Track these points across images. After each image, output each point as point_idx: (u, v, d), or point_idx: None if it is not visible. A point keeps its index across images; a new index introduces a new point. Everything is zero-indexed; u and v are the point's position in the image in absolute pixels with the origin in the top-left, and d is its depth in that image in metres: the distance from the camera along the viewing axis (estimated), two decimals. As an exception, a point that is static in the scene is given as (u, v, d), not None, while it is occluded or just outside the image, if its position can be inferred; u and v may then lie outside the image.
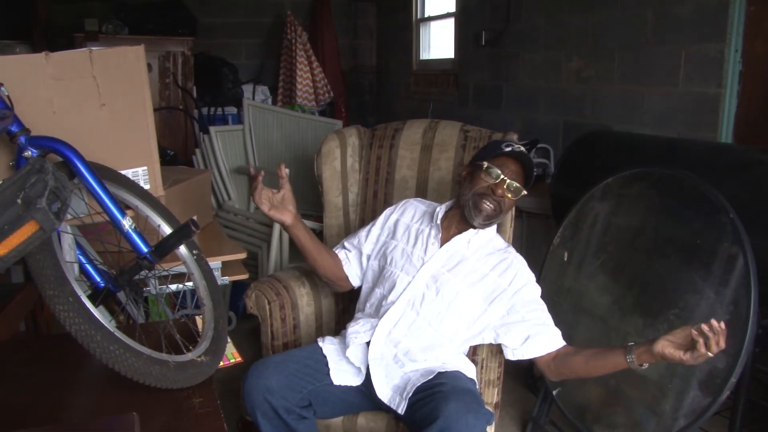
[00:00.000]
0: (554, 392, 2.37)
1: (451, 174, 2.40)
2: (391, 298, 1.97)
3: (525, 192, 1.94)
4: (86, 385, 1.59)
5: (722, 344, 1.50)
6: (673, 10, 3.13)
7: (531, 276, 1.99)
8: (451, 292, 1.93)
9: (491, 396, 2.12)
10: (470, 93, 4.98)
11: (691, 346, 1.55)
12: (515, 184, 1.91)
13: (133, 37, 5.00)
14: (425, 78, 5.72)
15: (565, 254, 2.49)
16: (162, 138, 4.63)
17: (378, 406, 1.90)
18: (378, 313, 1.98)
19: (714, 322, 1.49)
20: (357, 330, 1.97)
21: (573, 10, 3.81)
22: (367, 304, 2.07)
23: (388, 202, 2.46)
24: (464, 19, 5.02)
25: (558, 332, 1.90)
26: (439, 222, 2.02)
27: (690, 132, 3.07)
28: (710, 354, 1.51)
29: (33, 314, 2.17)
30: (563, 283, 2.48)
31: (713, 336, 1.49)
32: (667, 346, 1.60)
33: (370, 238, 2.15)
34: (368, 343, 1.92)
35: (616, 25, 3.49)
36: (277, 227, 3.44)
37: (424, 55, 5.86)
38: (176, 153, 4.67)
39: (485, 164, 1.92)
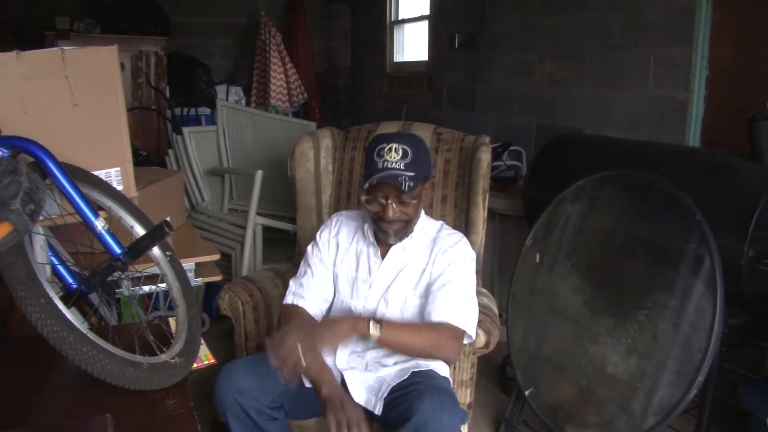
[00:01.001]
0: (527, 392, 2.40)
1: (425, 176, 2.42)
2: None
3: (415, 199, 1.87)
4: (58, 387, 1.58)
5: None
6: (643, 14, 3.19)
7: (457, 252, 1.94)
8: (399, 300, 1.95)
9: (464, 396, 2.14)
10: (444, 95, 5.01)
11: None
12: (401, 200, 1.85)
13: (106, 36, 4.94)
14: (399, 80, 5.74)
15: (537, 256, 2.51)
16: (135, 138, 4.57)
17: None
18: None
19: None
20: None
21: (546, 13, 3.86)
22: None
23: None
24: (438, 21, 5.05)
25: (458, 315, 1.85)
26: (372, 240, 1.99)
27: (659, 135, 3.13)
28: None
29: (2, 316, 2.15)
30: (535, 284, 2.51)
31: None
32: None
33: (319, 272, 2.03)
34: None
35: (587, 28, 3.54)
36: (250, 229, 3.43)
37: (399, 57, 5.88)
38: (149, 153, 4.62)
39: (365, 198, 1.88)
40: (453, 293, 1.88)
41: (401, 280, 1.95)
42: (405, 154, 1.81)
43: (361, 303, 1.98)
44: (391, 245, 1.96)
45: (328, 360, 1.92)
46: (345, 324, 1.74)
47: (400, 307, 1.95)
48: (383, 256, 1.98)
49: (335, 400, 1.64)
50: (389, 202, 1.84)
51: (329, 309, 2.06)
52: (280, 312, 2.01)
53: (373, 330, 1.71)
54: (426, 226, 2.02)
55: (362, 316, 1.76)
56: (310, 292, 2.00)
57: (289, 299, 2.01)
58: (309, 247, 2.08)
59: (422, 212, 2.01)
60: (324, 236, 2.07)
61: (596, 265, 2.34)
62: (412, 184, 1.79)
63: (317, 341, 1.68)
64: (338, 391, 1.69)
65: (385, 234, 1.90)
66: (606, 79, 3.45)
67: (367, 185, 1.82)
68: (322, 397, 1.68)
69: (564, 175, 2.59)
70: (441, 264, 1.92)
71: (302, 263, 2.08)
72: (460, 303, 1.87)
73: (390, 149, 1.81)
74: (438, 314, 1.84)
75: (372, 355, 1.92)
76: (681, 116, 3.04)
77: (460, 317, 1.85)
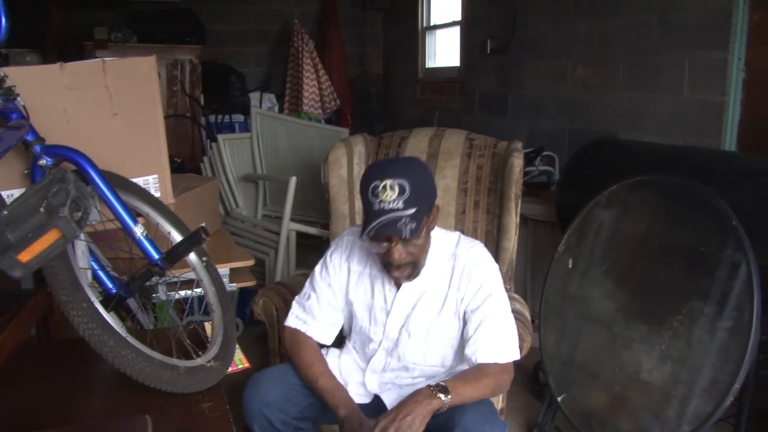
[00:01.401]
0: (559, 399, 2.39)
1: (457, 182, 2.43)
2: (371, 346, 1.93)
3: (420, 239, 1.72)
4: (98, 388, 1.62)
5: None
6: (678, 17, 3.15)
7: (485, 275, 1.83)
8: (422, 330, 1.85)
9: (497, 402, 2.13)
10: (476, 100, 5.01)
11: None
12: (404, 242, 1.70)
13: (142, 45, 5.05)
14: (431, 86, 5.75)
15: (570, 261, 2.50)
16: (169, 146, 4.62)
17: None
18: (364, 355, 1.96)
19: None
20: (350, 369, 1.96)
21: (578, 18, 3.83)
22: (351, 341, 2.01)
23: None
24: (470, 27, 5.06)
25: (503, 351, 1.77)
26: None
27: (694, 140, 3.09)
28: None
29: (44, 320, 2.20)
30: (568, 290, 2.49)
31: None
32: None
33: (326, 297, 1.93)
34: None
35: (621, 32, 3.51)
36: (284, 235, 3.47)
37: (431, 63, 5.89)
38: (184, 160, 4.70)
39: (366, 243, 1.72)
40: (494, 328, 1.77)
41: (421, 309, 1.85)
42: (402, 190, 1.63)
43: (380, 330, 1.90)
44: None
45: (358, 380, 1.93)
46: (421, 410, 1.56)
47: (424, 337, 1.86)
48: (398, 284, 1.86)
49: (353, 421, 1.63)
50: (393, 245, 1.69)
51: (350, 328, 2.00)
52: (285, 334, 1.94)
53: (445, 400, 1.58)
54: (441, 242, 1.87)
55: (428, 390, 1.59)
56: (314, 319, 1.92)
57: (292, 322, 1.94)
58: (317, 268, 1.96)
59: (435, 229, 1.85)
60: (335, 259, 1.94)
61: (630, 270, 2.32)
62: (414, 225, 1.63)
63: None
64: (354, 412, 1.68)
65: (397, 279, 1.80)
66: (640, 84, 3.42)
67: (367, 232, 1.65)
68: (340, 420, 1.66)
69: (597, 180, 2.58)
70: (470, 290, 1.81)
71: (308, 284, 1.97)
72: (503, 336, 1.77)
73: (384, 187, 1.63)
74: (485, 355, 1.73)
75: (401, 381, 1.92)
76: (717, 120, 3.00)
77: (506, 352, 1.76)
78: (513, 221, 2.30)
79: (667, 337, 2.09)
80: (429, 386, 1.60)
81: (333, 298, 1.93)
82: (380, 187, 1.64)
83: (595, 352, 2.34)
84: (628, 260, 2.34)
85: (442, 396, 1.58)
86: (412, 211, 1.63)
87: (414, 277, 1.81)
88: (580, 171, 2.97)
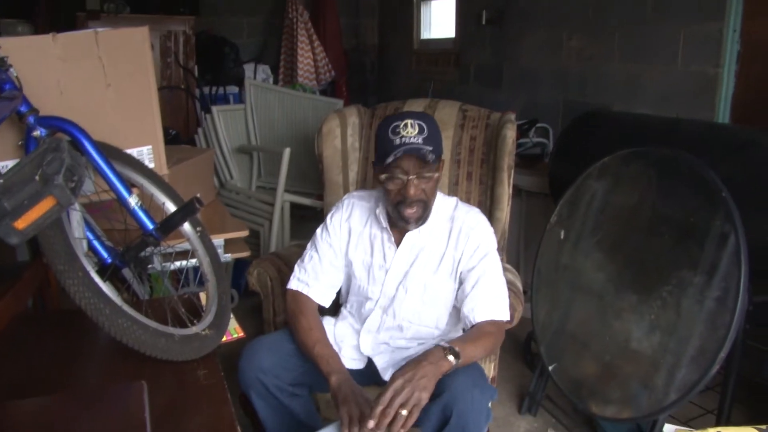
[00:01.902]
0: (550, 368, 2.42)
1: (450, 153, 2.44)
2: (367, 305, 1.97)
3: (437, 173, 1.81)
4: (95, 357, 1.65)
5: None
6: (674, -12, 3.14)
7: (480, 236, 1.90)
8: (419, 287, 1.91)
9: (488, 371, 2.16)
10: (471, 72, 4.99)
11: None
12: (423, 174, 1.78)
13: (135, 15, 4.99)
14: (426, 57, 5.72)
15: (562, 232, 2.53)
16: (163, 117, 4.57)
17: (375, 381, 1.92)
18: (359, 317, 2.00)
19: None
20: (344, 333, 2.00)
21: (574, -11, 3.81)
22: (347, 306, 2.05)
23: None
24: (465, -3, 5.02)
25: (498, 310, 1.83)
26: (386, 225, 1.93)
27: (688, 112, 3.09)
28: None
29: (41, 291, 2.22)
30: (560, 261, 2.52)
31: None
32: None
33: (327, 258, 1.98)
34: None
35: (616, 3, 3.49)
36: (278, 206, 3.48)
37: (425, 35, 5.85)
38: (178, 132, 4.67)
39: (384, 176, 1.79)
40: (489, 288, 1.84)
41: (419, 266, 1.91)
42: (422, 130, 1.75)
43: (378, 288, 1.94)
44: (405, 231, 1.91)
45: (352, 343, 1.97)
46: (432, 371, 1.57)
47: (420, 294, 1.91)
48: (398, 241, 1.93)
49: (346, 391, 1.64)
50: (410, 178, 1.77)
51: (347, 291, 2.05)
52: (287, 295, 1.98)
53: (454, 362, 1.61)
54: (441, 205, 1.94)
55: (440, 350, 1.61)
56: (316, 279, 1.96)
57: (294, 285, 1.97)
58: (318, 230, 2.02)
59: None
60: (335, 220, 2.00)
61: (621, 241, 2.34)
62: (434, 156, 1.75)
63: (418, 400, 1.53)
64: (346, 380, 1.69)
65: (404, 221, 1.83)
66: (635, 56, 3.41)
67: (391, 158, 1.73)
68: (332, 387, 1.68)
69: (590, 152, 2.59)
70: (467, 250, 1.87)
71: (309, 246, 2.02)
72: (497, 296, 1.84)
73: (406, 125, 1.76)
74: (480, 313, 1.80)
75: (396, 342, 1.95)
76: (711, 92, 3.00)
77: (500, 310, 1.83)
78: (506, 192, 2.31)
79: (657, 306, 2.12)
80: (440, 347, 1.62)
81: (334, 257, 1.98)
82: (401, 125, 1.76)
83: (585, 322, 2.37)
84: (619, 231, 2.36)
85: (452, 358, 1.61)
86: (430, 147, 1.74)
87: (422, 223, 1.86)
88: (573, 143, 2.98)
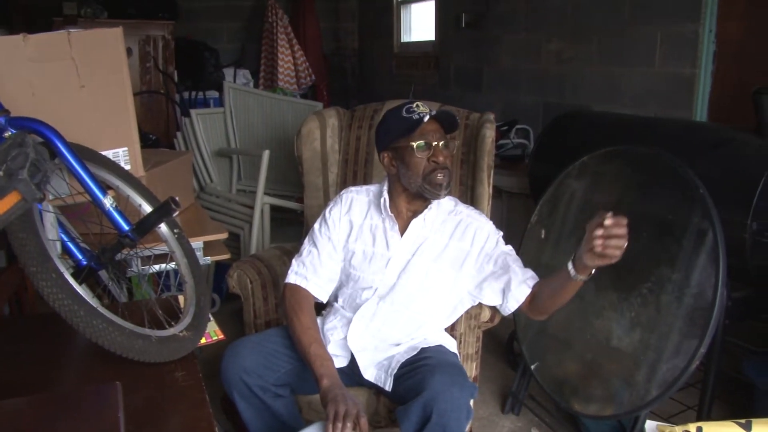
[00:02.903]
0: (532, 367, 2.42)
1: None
2: (365, 294, 1.97)
3: (455, 139, 2.00)
4: (71, 361, 1.62)
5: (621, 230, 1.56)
6: (650, -9, 3.17)
7: (487, 225, 1.99)
8: (419, 274, 1.93)
9: (470, 370, 2.16)
10: (451, 75, 5.00)
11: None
12: (445, 142, 1.88)
13: (113, 21, 4.94)
14: (407, 60, 5.73)
15: (543, 231, 2.53)
16: (143, 123, 4.60)
17: (358, 382, 1.93)
18: (352, 308, 1.99)
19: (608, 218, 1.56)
20: (334, 325, 1.99)
21: (552, -8, 3.84)
22: (340, 300, 2.05)
23: (368, 182, 2.49)
24: (445, 1, 5.03)
25: (526, 273, 1.92)
26: (390, 213, 1.95)
27: (666, 111, 3.12)
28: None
29: (17, 296, 2.19)
30: (541, 260, 2.52)
31: (612, 226, 1.56)
32: (588, 242, 1.63)
33: (326, 251, 1.99)
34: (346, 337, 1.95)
35: (594, 6, 3.52)
36: (258, 209, 3.46)
37: (406, 38, 5.86)
38: (158, 138, 4.64)
39: (413, 144, 1.84)
40: (518, 263, 1.94)
41: (422, 255, 1.94)
42: (432, 108, 1.88)
43: (378, 276, 1.95)
44: (409, 220, 1.94)
45: (339, 337, 1.97)
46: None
47: (421, 280, 1.93)
48: (402, 230, 1.96)
49: (335, 392, 1.64)
50: (439, 143, 1.86)
51: (342, 284, 2.04)
52: (284, 290, 1.97)
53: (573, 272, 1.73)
54: (442, 200, 1.98)
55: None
56: (314, 273, 1.96)
57: (292, 278, 1.97)
58: (316, 225, 2.04)
59: None
60: (334, 214, 2.01)
61: (601, 240, 2.35)
62: (452, 117, 1.90)
63: None
64: (338, 383, 1.69)
65: (437, 189, 1.86)
66: (614, 58, 3.44)
67: (424, 120, 1.83)
68: (322, 389, 1.67)
69: (569, 151, 2.60)
70: (478, 240, 1.94)
71: (307, 241, 2.03)
72: (527, 269, 1.94)
73: (418, 105, 1.88)
74: (529, 282, 1.90)
75: (386, 335, 1.95)
76: (688, 92, 3.03)
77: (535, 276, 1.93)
78: (486, 192, 2.31)
79: (637, 304, 2.13)
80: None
81: (333, 251, 1.99)
82: (413, 105, 1.88)
83: (567, 321, 2.37)
84: (599, 230, 2.36)
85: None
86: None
87: (448, 191, 1.91)
88: (553, 143, 2.99)
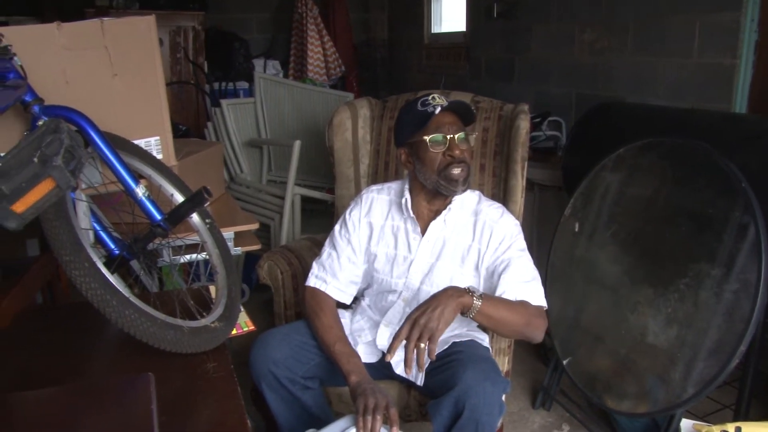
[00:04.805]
0: (565, 362, 2.39)
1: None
2: (390, 298, 1.95)
3: (473, 131, 1.88)
4: (103, 350, 1.63)
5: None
6: (688, -22, 3.09)
7: (505, 227, 1.87)
8: (445, 279, 1.88)
9: (502, 364, 2.14)
10: (482, 66, 4.95)
11: None
12: (462, 134, 1.80)
13: (144, 11, 4.97)
14: (437, 51, 5.68)
15: (576, 225, 2.49)
16: (174, 113, 4.59)
17: (389, 375, 1.91)
18: (379, 310, 1.98)
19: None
20: (362, 327, 1.98)
21: (586, -19, 3.77)
22: (366, 299, 2.04)
23: (399, 174, 2.47)
24: (476, -9, 4.98)
25: (531, 293, 1.77)
26: (411, 214, 1.91)
27: (704, 103, 3.04)
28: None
29: (50, 286, 2.21)
30: (574, 254, 2.48)
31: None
32: None
33: (346, 254, 1.97)
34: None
35: (629, -5, 3.45)
36: (289, 199, 3.46)
37: (436, 29, 5.81)
38: (188, 128, 4.67)
39: (426, 139, 1.78)
40: (520, 273, 1.79)
41: (445, 258, 1.89)
42: (448, 97, 1.82)
43: (402, 281, 1.92)
44: (430, 220, 1.89)
45: (368, 339, 1.94)
46: (451, 302, 1.56)
47: (447, 284, 1.83)
48: (423, 231, 1.91)
49: (365, 386, 1.63)
50: (455, 136, 1.78)
51: (368, 285, 2.03)
52: (305, 293, 1.96)
53: (476, 302, 1.58)
54: (464, 196, 1.92)
55: (461, 287, 1.60)
56: (334, 277, 1.95)
57: (312, 282, 1.96)
58: (336, 227, 2.01)
59: None
60: (354, 216, 1.99)
61: (636, 234, 2.30)
62: (468, 109, 1.81)
63: (433, 330, 1.52)
64: (366, 378, 1.68)
65: (454, 183, 1.79)
66: (649, 47, 3.36)
67: (437, 112, 1.75)
68: (351, 386, 1.67)
69: (604, 143, 2.55)
70: (493, 242, 1.85)
71: (327, 243, 2.01)
72: (530, 281, 1.80)
73: (434, 97, 1.80)
74: (513, 294, 1.75)
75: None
76: (727, 83, 2.95)
77: (535, 294, 1.78)
78: (519, 184, 2.27)
79: (674, 300, 2.09)
80: (464, 288, 1.61)
81: (352, 254, 1.96)
82: (429, 97, 1.80)
83: (600, 316, 2.33)
84: (634, 223, 2.32)
85: (474, 298, 1.58)
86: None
87: (466, 186, 1.84)
88: (587, 135, 2.94)
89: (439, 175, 1.80)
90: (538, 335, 1.78)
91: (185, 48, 5.19)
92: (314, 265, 1.99)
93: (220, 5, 5.91)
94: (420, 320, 1.52)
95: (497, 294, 1.76)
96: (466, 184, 1.84)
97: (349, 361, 1.74)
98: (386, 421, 1.54)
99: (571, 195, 2.57)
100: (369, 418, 1.52)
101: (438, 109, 1.76)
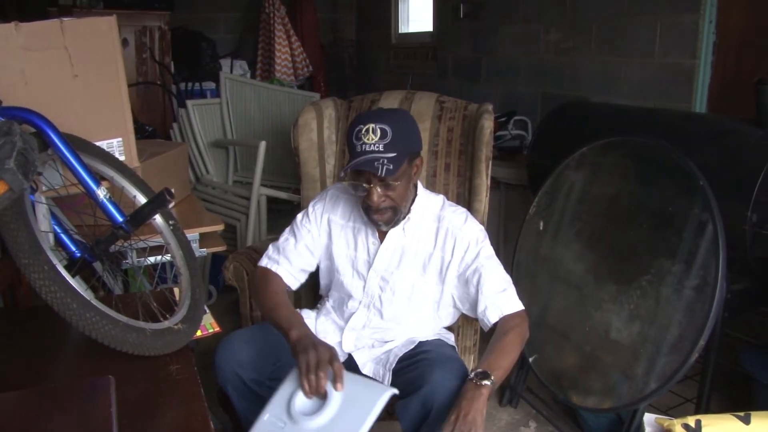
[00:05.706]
0: (531, 359, 2.41)
1: (428, 144, 2.41)
2: (351, 304, 1.94)
3: (396, 181, 1.72)
4: (65, 354, 1.61)
5: None
6: (650, -20, 3.14)
7: (469, 234, 1.86)
8: (406, 287, 1.89)
9: (468, 362, 2.15)
10: (449, 66, 4.98)
11: None
12: (383, 183, 1.73)
13: (109, 10, 4.89)
14: (405, 51, 5.70)
15: (541, 223, 2.51)
16: (140, 114, 4.57)
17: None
18: (342, 314, 1.97)
19: None
20: (326, 329, 1.97)
21: (551, -18, 3.81)
22: (330, 300, 2.03)
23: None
24: (443, -9, 5.00)
25: (509, 301, 1.80)
26: (368, 219, 1.87)
27: (666, 102, 3.10)
28: None
29: (11, 289, 2.17)
30: (539, 252, 2.51)
31: None
32: None
33: (304, 243, 1.96)
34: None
35: (593, -4, 3.50)
36: (254, 200, 3.44)
37: (404, 29, 5.83)
38: (155, 129, 4.61)
39: (348, 183, 1.78)
40: (495, 283, 1.80)
41: (405, 267, 1.88)
42: (384, 134, 1.67)
43: (360, 284, 1.92)
44: (387, 229, 1.87)
45: (335, 341, 1.92)
46: (479, 407, 1.52)
47: (408, 294, 1.89)
48: (381, 238, 1.90)
49: (305, 342, 1.58)
50: (372, 186, 1.72)
51: (330, 286, 2.03)
52: (256, 273, 1.97)
53: (491, 383, 1.55)
54: (427, 202, 1.91)
55: (472, 383, 1.55)
56: (287, 260, 1.94)
57: (263, 262, 1.96)
58: (299, 215, 2.01)
59: (421, 188, 1.92)
60: (317, 209, 1.98)
61: (600, 232, 2.34)
62: (391, 167, 1.66)
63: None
64: (306, 333, 1.64)
65: (375, 224, 1.83)
66: (612, 48, 3.41)
67: (343, 174, 1.73)
68: (291, 342, 1.62)
69: (568, 142, 2.58)
70: (458, 250, 1.84)
71: (287, 230, 2.00)
72: (506, 288, 1.81)
73: (367, 130, 1.69)
74: (493, 312, 1.77)
75: (375, 336, 1.93)
76: (688, 83, 3.01)
77: (512, 301, 1.79)
78: (484, 183, 2.29)
79: (636, 296, 2.12)
80: (470, 379, 1.56)
81: (311, 242, 1.96)
82: (363, 131, 1.70)
83: (565, 313, 2.36)
84: (598, 221, 2.35)
85: (486, 382, 1.54)
86: (391, 155, 1.67)
87: (395, 225, 1.83)
88: (551, 134, 2.97)
89: (364, 212, 1.82)
90: (526, 338, 1.80)
91: (151, 48, 5.13)
92: (270, 247, 1.99)
93: (187, 5, 5.85)
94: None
95: (479, 311, 1.78)
96: (393, 224, 1.83)
97: (289, 319, 1.70)
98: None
99: (536, 193, 2.60)
100: (312, 376, 1.50)
101: (348, 170, 1.71)
